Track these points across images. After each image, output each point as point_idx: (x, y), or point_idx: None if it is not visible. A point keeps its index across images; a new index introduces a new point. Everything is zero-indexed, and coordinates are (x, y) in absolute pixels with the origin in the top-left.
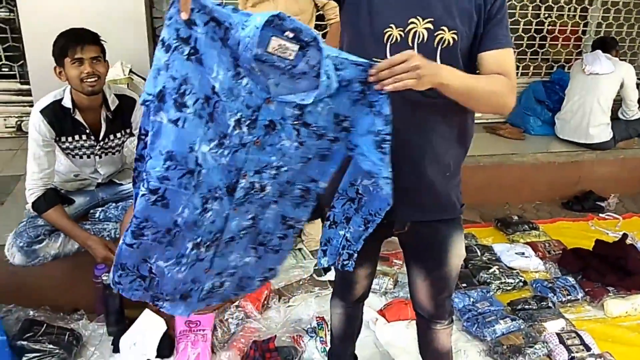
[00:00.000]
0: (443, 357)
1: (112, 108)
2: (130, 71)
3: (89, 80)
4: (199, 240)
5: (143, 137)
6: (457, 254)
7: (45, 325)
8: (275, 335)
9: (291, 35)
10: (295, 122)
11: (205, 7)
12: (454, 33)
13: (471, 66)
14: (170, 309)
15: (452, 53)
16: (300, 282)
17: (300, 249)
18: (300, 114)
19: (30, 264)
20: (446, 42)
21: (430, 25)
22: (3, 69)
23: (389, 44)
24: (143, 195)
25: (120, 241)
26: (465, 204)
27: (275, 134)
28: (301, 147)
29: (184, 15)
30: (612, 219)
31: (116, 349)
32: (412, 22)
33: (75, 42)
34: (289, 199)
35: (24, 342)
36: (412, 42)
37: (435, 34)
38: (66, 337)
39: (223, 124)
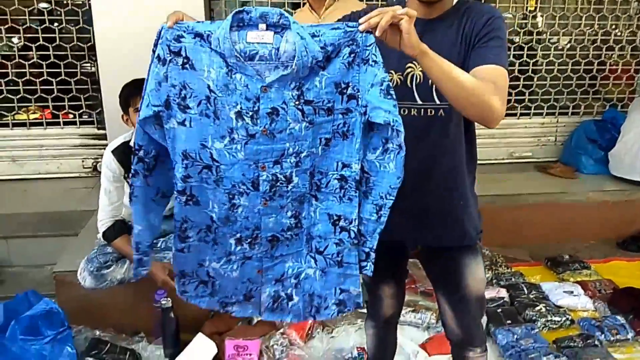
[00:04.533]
0: None
1: None
2: None
3: None
4: (238, 236)
5: (136, 151)
6: (474, 279)
7: (109, 344)
8: None
9: (264, 26)
10: (296, 103)
11: (188, 27)
12: None
13: None
14: (240, 310)
15: None
16: (344, 315)
17: None
18: (299, 94)
19: (98, 287)
20: None
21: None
22: (83, 116)
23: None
24: (176, 199)
25: (173, 249)
26: (482, 231)
27: (281, 120)
28: (312, 126)
29: (170, 23)
30: None
31: None
32: (409, 67)
33: (136, 93)
34: (329, 193)
35: (91, 359)
36: (411, 83)
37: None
38: (127, 356)
39: (227, 119)
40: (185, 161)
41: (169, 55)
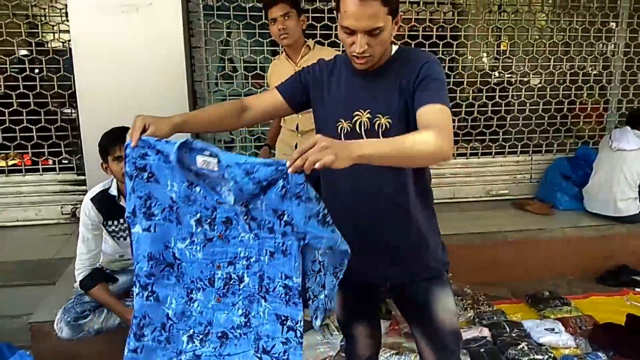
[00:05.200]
0: None
1: None
2: None
3: None
4: (191, 332)
5: (128, 217)
6: (444, 309)
7: None
8: None
9: (208, 152)
10: (245, 217)
11: (150, 144)
12: (387, 118)
13: None
14: None
15: (392, 133)
16: (327, 359)
17: (327, 325)
18: (247, 210)
19: (75, 338)
20: (384, 126)
21: (369, 115)
22: (63, 162)
23: (342, 133)
24: (137, 294)
25: (125, 350)
26: (449, 263)
27: (234, 228)
28: (258, 239)
29: (133, 143)
30: None
31: None
32: (357, 114)
33: (114, 143)
34: (276, 296)
35: None
36: (360, 129)
37: (374, 121)
38: None
39: (187, 224)
40: (150, 262)
41: (135, 171)
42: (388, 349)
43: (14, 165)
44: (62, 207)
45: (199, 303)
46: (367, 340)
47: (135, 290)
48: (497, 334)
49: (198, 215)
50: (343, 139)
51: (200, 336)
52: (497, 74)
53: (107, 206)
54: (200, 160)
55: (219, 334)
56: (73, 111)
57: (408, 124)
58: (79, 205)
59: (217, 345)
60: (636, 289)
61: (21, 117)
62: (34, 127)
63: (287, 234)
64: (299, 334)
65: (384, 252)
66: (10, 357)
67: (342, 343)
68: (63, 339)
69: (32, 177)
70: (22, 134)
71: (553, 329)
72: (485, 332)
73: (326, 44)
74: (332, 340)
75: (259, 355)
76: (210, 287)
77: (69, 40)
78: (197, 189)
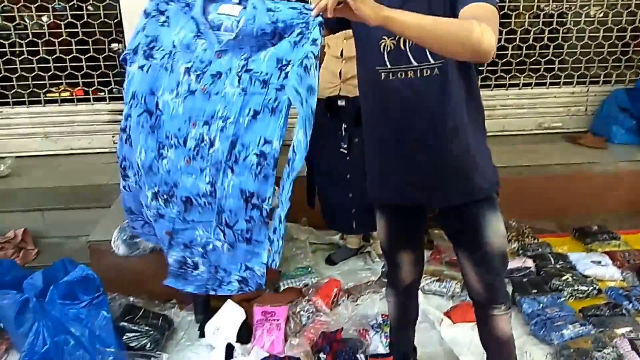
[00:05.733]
0: (504, 345)
1: None
2: None
3: None
4: (156, 189)
5: (128, 54)
6: (494, 233)
7: (143, 310)
8: (343, 328)
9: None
10: (239, 71)
11: None
12: None
13: None
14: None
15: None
16: (368, 284)
17: (369, 252)
18: (245, 63)
19: (131, 255)
20: None
21: None
22: (113, 92)
23: (385, 52)
24: (120, 136)
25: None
26: (499, 184)
27: (220, 82)
28: (244, 94)
29: None
30: None
31: (202, 334)
32: None
33: None
34: (245, 167)
35: (125, 323)
36: (404, 46)
37: None
38: (160, 321)
39: (177, 73)
40: (131, 100)
41: (154, 11)
42: (429, 276)
43: (65, 97)
44: (113, 137)
45: (168, 161)
46: (410, 268)
47: (120, 133)
48: (542, 265)
49: (190, 64)
50: (387, 58)
51: (165, 196)
52: (555, 0)
53: None
54: (224, 8)
55: (184, 198)
56: (120, 42)
57: None
58: None
59: (182, 209)
60: None
61: (70, 47)
62: (83, 57)
63: (283, 88)
64: (264, 213)
65: (434, 173)
66: (71, 271)
67: (384, 269)
68: (119, 256)
69: (83, 107)
70: (72, 64)
71: (600, 262)
72: (529, 262)
73: None
74: (373, 266)
75: (222, 229)
76: (182, 147)
77: None
78: (201, 41)
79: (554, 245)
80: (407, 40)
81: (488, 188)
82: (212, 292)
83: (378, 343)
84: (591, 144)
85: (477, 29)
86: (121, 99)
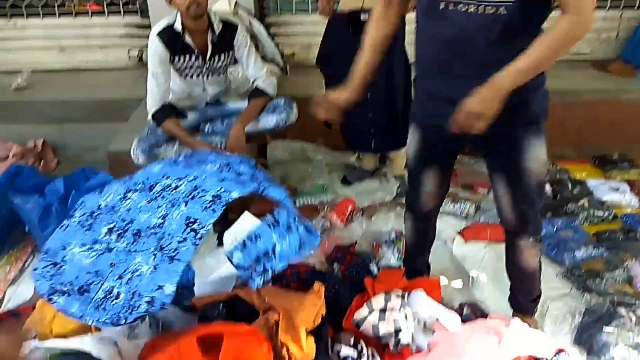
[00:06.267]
0: (529, 277)
1: (217, 32)
2: (236, 4)
3: (192, 7)
4: (112, 225)
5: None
6: (535, 158)
7: None
8: (357, 242)
9: None
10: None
11: None
12: None
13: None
14: (64, 304)
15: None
16: (383, 204)
17: (385, 174)
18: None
19: None
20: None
21: None
22: (128, 5)
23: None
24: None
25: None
26: (548, 110)
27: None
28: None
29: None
30: None
31: (220, 243)
32: None
33: None
34: (198, 202)
35: None
36: None
37: None
38: None
39: (97, 232)
40: (42, 254)
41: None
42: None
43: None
44: (129, 52)
45: (131, 201)
46: (434, 190)
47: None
48: (558, 190)
49: (112, 224)
50: (439, 9)
51: (119, 231)
52: None
53: (173, 42)
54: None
55: (135, 231)
56: None
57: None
58: (144, 51)
59: (130, 242)
60: None
61: None
62: None
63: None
64: (199, 237)
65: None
66: (92, 178)
67: (399, 190)
68: (140, 165)
69: (98, 19)
70: None
71: (618, 189)
72: (546, 187)
73: None
74: (388, 187)
75: (155, 252)
76: (147, 192)
77: None
78: (127, 202)
79: (572, 171)
80: None
81: (538, 113)
82: (122, 322)
83: (390, 256)
84: (619, 72)
85: (574, 27)
86: (135, 12)
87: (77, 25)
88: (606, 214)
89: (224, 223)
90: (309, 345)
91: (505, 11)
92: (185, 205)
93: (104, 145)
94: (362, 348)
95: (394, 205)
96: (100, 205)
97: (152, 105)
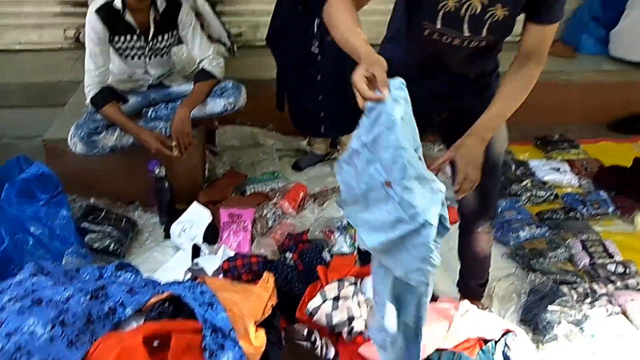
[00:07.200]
0: (481, 262)
1: (160, 10)
2: None
3: None
4: None
5: None
6: (499, 138)
7: (105, 211)
8: (309, 229)
9: None
10: None
11: None
12: (506, 10)
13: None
14: None
15: (500, 26)
16: (334, 189)
17: (336, 159)
18: None
19: (90, 154)
20: (496, 17)
21: (485, 0)
22: None
23: (441, 11)
24: None
25: None
26: None
27: None
28: None
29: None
30: None
31: (167, 236)
32: None
33: None
34: None
35: (86, 224)
36: (465, 12)
37: (488, 9)
38: (123, 222)
39: None
40: None
41: None
42: None
43: None
44: (65, 31)
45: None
46: None
47: None
48: (502, 171)
49: None
50: (440, 17)
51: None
52: None
53: (113, 20)
54: None
55: None
56: None
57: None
58: (82, 30)
59: None
60: None
61: None
62: None
63: None
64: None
65: (454, 87)
66: (27, 169)
67: None
68: (78, 154)
69: None
70: None
71: (559, 169)
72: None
73: None
74: None
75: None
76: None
77: None
78: None
79: (515, 152)
80: (470, 7)
81: None
82: None
83: (343, 243)
84: (559, 53)
85: (537, 74)
86: None
87: (7, 2)
88: (548, 194)
89: (170, 214)
90: (259, 338)
91: (485, 42)
92: None
93: (40, 133)
94: (315, 339)
95: None
96: None
97: (90, 88)
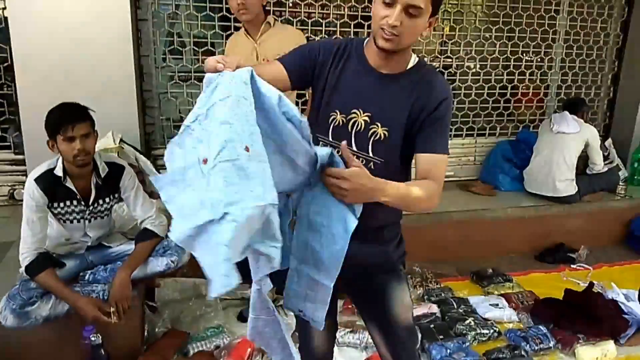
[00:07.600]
0: None
1: (102, 175)
2: (121, 140)
3: (79, 157)
4: None
5: None
6: (400, 303)
7: None
8: None
9: None
10: None
11: None
12: (385, 130)
13: (408, 153)
14: None
15: (383, 145)
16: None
17: (281, 306)
18: None
19: (22, 327)
20: (378, 136)
21: (367, 118)
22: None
23: (332, 125)
24: None
25: None
26: (406, 253)
27: None
28: None
29: None
30: (583, 269)
31: None
32: (354, 112)
33: (67, 121)
34: None
35: None
36: (352, 128)
37: (370, 127)
38: None
39: None
40: None
41: None
42: (342, 327)
43: None
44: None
45: None
46: (323, 334)
47: None
48: (446, 310)
49: None
50: (331, 132)
51: None
52: (445, 58)
53: (53, 187)
54: None
55: None
56: (9, 87)
57: (403, 142)
58: (17, 187)
59: None
60: (572, 266)
61: None
62: None
63: None
64: None
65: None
66: None
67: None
68: (8, 328)
69: None
70: None
71: (497, 305)
72: (434, 308)
73: (295, 23)
74: (287, 320)
75: None
76: None
77: (4, 9)
78: None
79: (455, 289)
80: (356, 124)
81: (396, 260)
82: None
83: None
84: (482, 192)
85: (434, 199)
86: (8, 147)
87: None
88: (491, 332)
89: None
90: None
91: (374, 166)
92: None
93: None
94: None
95: (294, 340)
96: None
97: (25, 256)
